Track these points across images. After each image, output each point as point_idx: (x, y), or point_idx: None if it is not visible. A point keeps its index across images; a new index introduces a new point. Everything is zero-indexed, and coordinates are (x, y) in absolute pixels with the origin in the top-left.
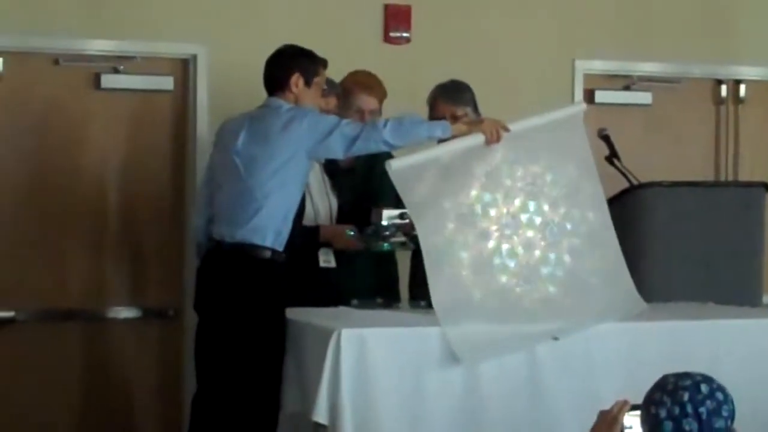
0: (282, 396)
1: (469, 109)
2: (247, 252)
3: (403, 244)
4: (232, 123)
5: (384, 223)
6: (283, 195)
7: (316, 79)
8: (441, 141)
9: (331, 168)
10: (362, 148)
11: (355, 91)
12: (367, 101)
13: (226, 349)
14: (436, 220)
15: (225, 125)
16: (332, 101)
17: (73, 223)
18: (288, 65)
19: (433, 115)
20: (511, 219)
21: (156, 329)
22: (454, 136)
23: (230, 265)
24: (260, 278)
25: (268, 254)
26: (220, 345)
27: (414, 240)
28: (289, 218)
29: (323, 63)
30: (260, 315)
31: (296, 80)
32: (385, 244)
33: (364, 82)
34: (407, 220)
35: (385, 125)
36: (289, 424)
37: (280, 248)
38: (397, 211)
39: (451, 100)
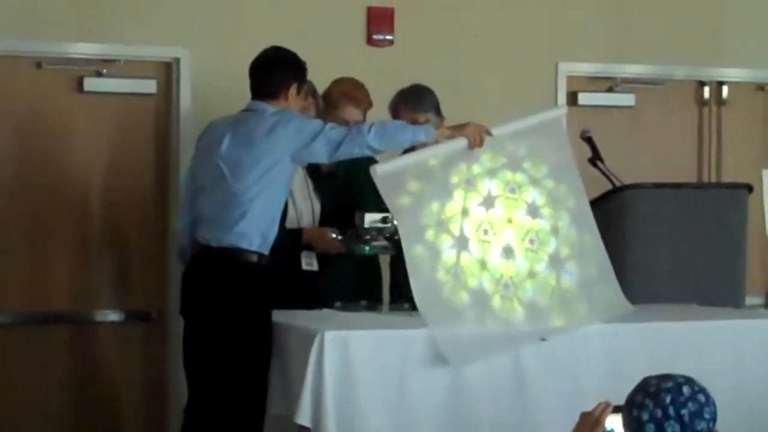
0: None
1: (430, 115)
2: (234, 256)
3: (384, 248)
4: (215, 126)
5: (366, 226)
6: (268, 199)
7: (304, 86)
8: (424, 145)
9: (313, 171)
10: (347, 152)
11: (341, 103)
12: (353, 113)
13: (214, 354)
14: (418, 226)
15: (208, 128)
16: (309, 102)
17: (56, 227)
18: (286, 75)
19: None
20: (492, 225)
21: (140, 332)
22: (437, 141)
23: (217, 270)
24: (247, 283)
25: (254, 258)
26: (207, 350)
27: (396, 244)
28: (276, 221)
29: (306, 66)
30: (248, 319)
31: (292, 91)
32: (367, 248)
33: (350, 93)
34: (389, 224)
35: (369, 130)
36: (274, 427)
37: (267, 252)
38: (379, 215)
39: (411, 106)
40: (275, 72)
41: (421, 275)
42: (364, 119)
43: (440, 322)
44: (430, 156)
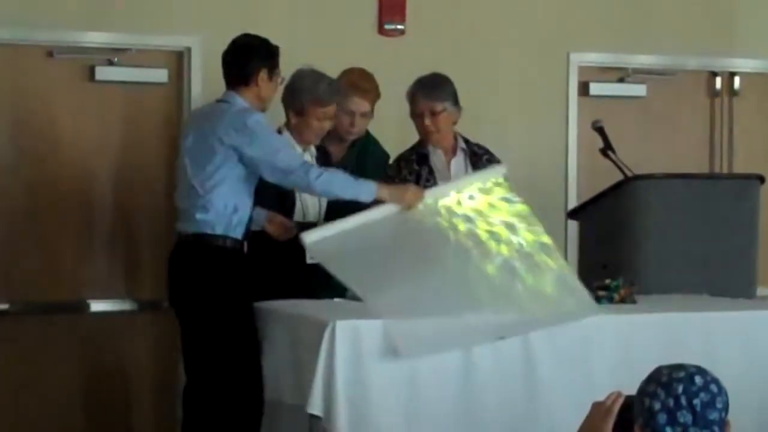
0: (278, 388)
1: (448, 104)
2: (200, 242)
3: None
4: (190, 118)
5: None
6: (227, 190)
7: (276, 71)
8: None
9: (321, 164)
10: (290, 183)
11: (348, 94)
12: (360, 104)
13: (197, 339)
14: (365, 273)
15: (189, 118)
16: (331, 110)
17: (66, 216)
18: (254, 61)
19: (413, 110)
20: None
21: (149, 321)
22: (377, 201)
23: (186, 257)
24: (214, 266)
25: (219, 242)
26: (192, 335)
27: None
28: (241, 208)
29: (279, 50)
30: (221, 302)
31: (262, 76)
32: None
33: (357, 84)
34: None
35: (319, 176)
36: (276, 416)
37: (236, 235)
38: None
39: (429, 96)
40: (243, 59)
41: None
42: (372, 110)
43: (395, 314)
44: (357, 223)
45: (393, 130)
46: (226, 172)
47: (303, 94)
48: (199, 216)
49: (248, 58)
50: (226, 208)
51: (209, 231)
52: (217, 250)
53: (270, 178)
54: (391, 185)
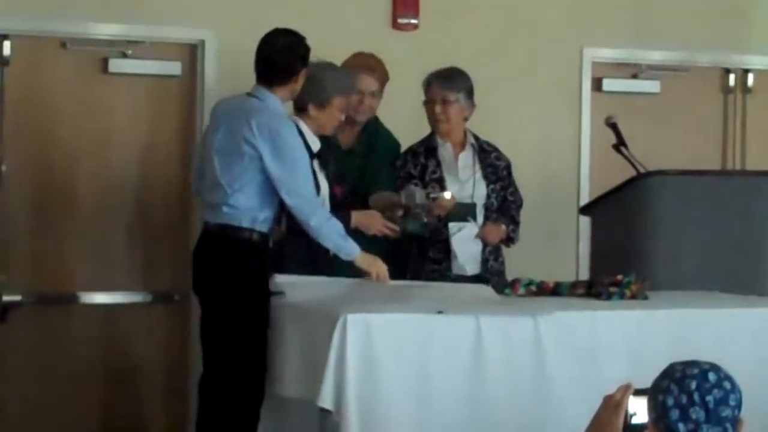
0: (288, 381)
1: (461, 96)
2: (227, 233)
3: (425, 225)
4: (218, 110)
5: (417, 202)
6: (253, 191)
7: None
8: None
9: (323, 148)
10: (294, 208)
11: (356, 72)
12: (368, 82)
13: (216, 330)
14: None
15: (213, 111)
16: (350, 101)
17: (80, 207)
18: (301, 59)
19: (427, 96)
20: None
21: (162, 313)
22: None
23: (213, 247)
24: (241, 258)
25: (246, 235)
26: (212, 326)
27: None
28: (268, 202)
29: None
30: (241, 293)
31: (300, 76)
32: (418, 224)
33: (365, 63)
34: (432, 198)
35: (318, 220)
36: (272, 409)
37: (264, 230)
38: (424, 191)
39: (444, 84)
40: (289, 58)
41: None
42: (381, 91)
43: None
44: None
45: (406, 123)
46: (252, 175)
47: (327, 86)
48: (225, 209)
49: (294, 57)
50: (252, 208)
51: (236, 224)
52: (242, 243)
53: (281, 195)
54: (368, 256)
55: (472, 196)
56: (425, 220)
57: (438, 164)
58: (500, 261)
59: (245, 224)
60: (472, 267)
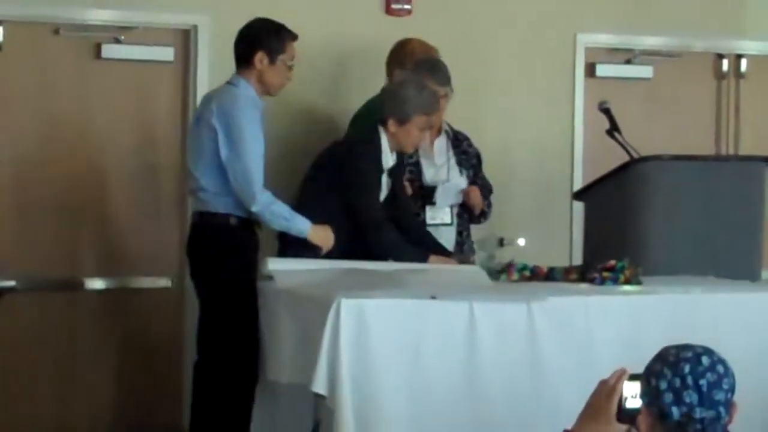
0: (282, 367)
1: (449, 87)
2: (206, 221)
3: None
4: (203, 100)
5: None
6: (218, 175)
7: (281, 57)
8: None
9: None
10: (239, 192)
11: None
12: None
13: (206, 315)
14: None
15: (202, 101)
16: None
17: (74, 193)
18: (253, 43)
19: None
20: None
21: (157, 299)
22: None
23: (195, 235)
24: (218, 243)
25: (224, 221)
26: (203, 311)
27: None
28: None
29: (292, 37)
30: (221, 278)
31: (260, 58)
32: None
33: (426, 50)
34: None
35: (262, 202)
36: (266, 394)
37: (244, 214)
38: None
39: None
40: (244, 40)
41: None
42: None
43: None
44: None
45: None
46: (212, 158)
47: (409, 103)
48: (200, 195)
49: (247, 40)
50: (219, 192)
51: (211, 210)
52: (219, 229)
53: (230, 179)
54: (319, 227)
55: (447, 180)
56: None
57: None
58: (470, 245)
59: (221, 210)
60: (447, 240)
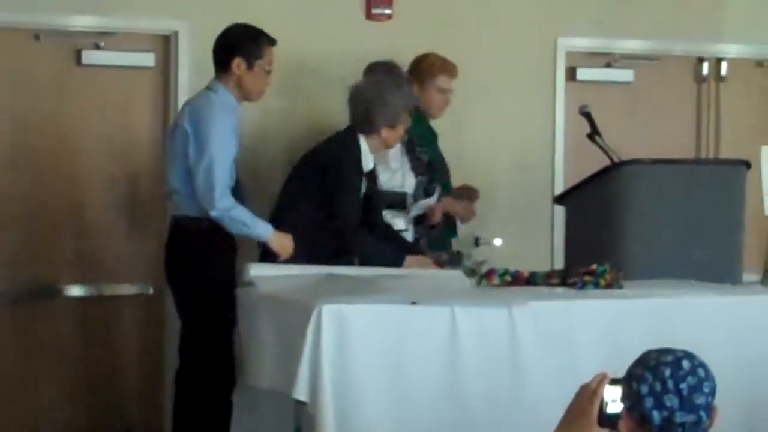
0: (263, 373)
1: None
2: (180, 224)
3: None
4: (180, 109)
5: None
6: (185, 173)
7: (259, 62)
8: None
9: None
10: (201, 197)
11: (439, 72)
12: (449, 82)
13: (184, 321)
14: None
15: (182, 106)
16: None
17: (53, 200)
18: (231, 48)
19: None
20: None
21: (137, 307)
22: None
23: (172, 239)
24: (194, 249)
25: (197, 225)
26: (181, 317)
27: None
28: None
29: (270, 42)
30: (202, 286)
31: (238, 63)
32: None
33: (446, 64)
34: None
35: (222, 208)
36: (247, 400)
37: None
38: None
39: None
40: (222, 46)
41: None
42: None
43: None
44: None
45: None
46: (183, 162)
47: (398, 105)
48: (174, 198)
49: (224, 45)
50: (193, 195)
51: (186, 213)
52: (193, 234)
53: (194, 183)
54: (280, 234)
55: (402, 185)
56: (471, 268)
57: None
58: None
59: (194, 213)
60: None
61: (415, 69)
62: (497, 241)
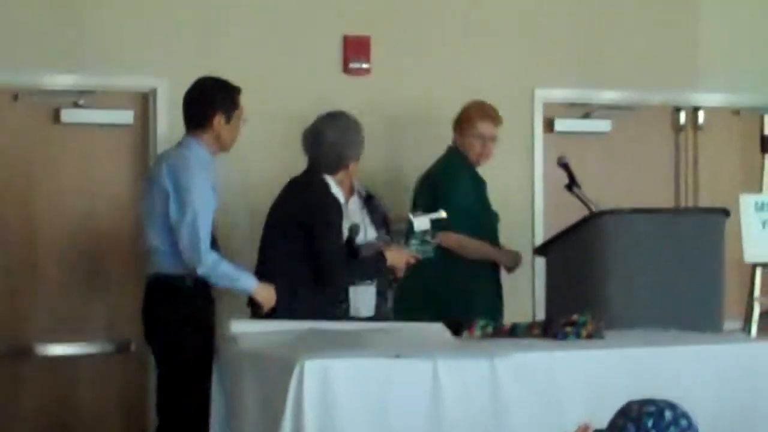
0: (242, 429)
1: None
2: (156, 282)
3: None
4: (155, 162)
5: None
6: (166, 231)
7: (236, 113)
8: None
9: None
10: (182, 251)
11: (479, 119)
12: (490, 129)
13: (161, 379)
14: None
15: (155, 161)
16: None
17: (33, 257)
18: (209, 105)
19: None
20: None
21: (119, 364)
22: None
23: (149, 297)
24: (174, 307)
25: (177, 282)
26: (159, 375)
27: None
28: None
29: (238, 92)
30: (179, 343)
31: (218, 120)
32: (430, 248)
33: (487, 111)
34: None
35: (208, 265)
36: None
37: (196, 274)
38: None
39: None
40: (199, 103)
41: None
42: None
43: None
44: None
45: (362, 164)
46: (164, 220)
47: (362, 141)
48: (153, 257)
49: (203, 102)
50: (170, 251)
51: (165, 271)
52: (172, 291)
53: (178, 241)
54: (264, 286)
55: (364, 239)
56: (431, 241)
57: None
58: (389, 306)
59: (172, 271)
60: (367, 309)
61: (457, 116)
62: (443, 213)
